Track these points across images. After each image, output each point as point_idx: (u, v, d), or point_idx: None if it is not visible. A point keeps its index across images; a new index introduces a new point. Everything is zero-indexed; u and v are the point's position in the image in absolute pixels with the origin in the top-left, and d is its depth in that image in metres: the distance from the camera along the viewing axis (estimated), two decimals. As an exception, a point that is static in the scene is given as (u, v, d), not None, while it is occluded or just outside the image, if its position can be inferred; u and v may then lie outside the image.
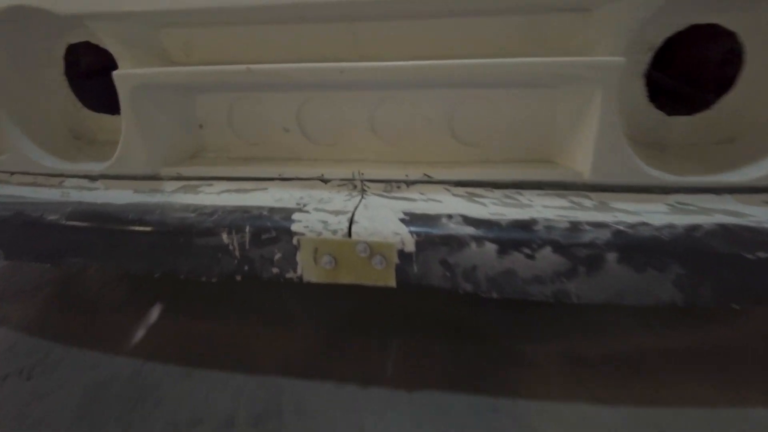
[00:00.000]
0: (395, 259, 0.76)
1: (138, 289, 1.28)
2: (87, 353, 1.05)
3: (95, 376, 0.99)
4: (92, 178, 0.96)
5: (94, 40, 0.93)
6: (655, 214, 0.75)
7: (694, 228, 0.72)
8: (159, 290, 1.27)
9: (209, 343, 1.06)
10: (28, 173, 1.00)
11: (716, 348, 0.98)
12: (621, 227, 0.72)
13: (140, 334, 1.11)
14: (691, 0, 0.70)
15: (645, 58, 0.78)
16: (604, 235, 0.71)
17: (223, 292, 1.23)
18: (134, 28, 0.84)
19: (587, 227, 0.72)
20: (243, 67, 0.78)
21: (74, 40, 0.95)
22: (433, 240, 0.74)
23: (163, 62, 0.87)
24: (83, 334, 1.11)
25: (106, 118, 1.04)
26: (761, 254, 0.69)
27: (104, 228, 0.86)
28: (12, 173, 1.01)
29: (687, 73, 0.95)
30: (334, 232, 0.76)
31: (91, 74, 1.04)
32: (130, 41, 0.84)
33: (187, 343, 1.07)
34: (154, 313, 1.18)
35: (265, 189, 0.88)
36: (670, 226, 0.72)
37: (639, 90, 0.81)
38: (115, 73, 0.83)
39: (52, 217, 0.88)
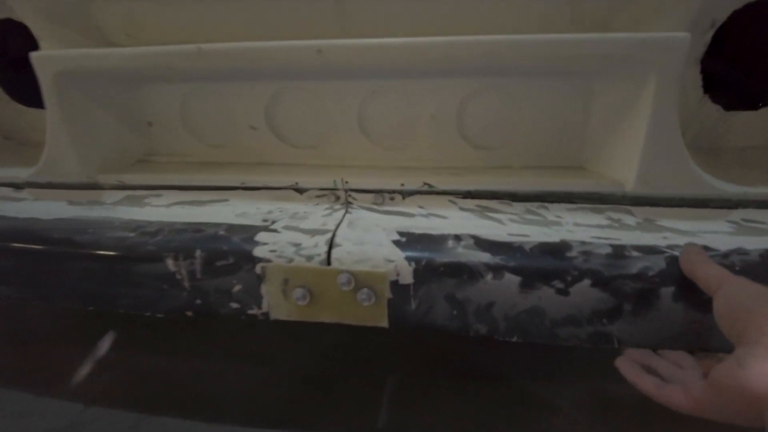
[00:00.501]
0: (387, 294, 0.59)
1: (88, 316, 1.10)
2: (19, 397, 0.87)
3: (25, 426, 0.81)
4: (17, 186, 0.79)
5: (16, 17, 0.76)
6: (717, 235, 0.59)
7: (773, 254, 0.56)
8: (111, 319, 1.08)
9: (164, 384, 0.89)
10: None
11: None
12: (677, 252, 0.55)
13: (84, 372, 0.93)
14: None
15: (703, 39, 0.62)
16: (657, 263, 0.55)
17: (183, 321, 1.05)
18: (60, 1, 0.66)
19: (634, 253, 0.56)
20: (193, 46, 0.61)
21: (-6, 17, 0.78)
22: (436, 269, 0.58)
23: (99, 44, 0.70)
24: (16, 373, 0.94)
25: (40, 114, 0.86)
26: None
27: (25, 250, 0.69)
28: None
29: (751, 59, 0.79)
30: (310, 258, 0.60)
31: (17, 60, 0.86)
32: (54, 16, 0.67)
33: (137, 384, 0.89)
34: (103, 347, 1.00)
35: (226, 201, 0.71)
36: (740, 252, 0.56)
37: (693, 79, 0.66)
38: (33, 54, 0.66)
39: (-39, 237, 0.71)
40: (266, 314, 0.63)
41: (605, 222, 0.62)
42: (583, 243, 0.58)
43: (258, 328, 1.04)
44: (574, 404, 0.81)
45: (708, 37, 0.62)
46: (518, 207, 0.65)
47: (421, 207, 0.67)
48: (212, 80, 0.70)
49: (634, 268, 0.55)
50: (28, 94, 0.88)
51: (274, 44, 0.59)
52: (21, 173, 0.78)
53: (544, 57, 0.56)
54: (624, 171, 0.61)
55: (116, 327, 1.06)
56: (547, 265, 0.56)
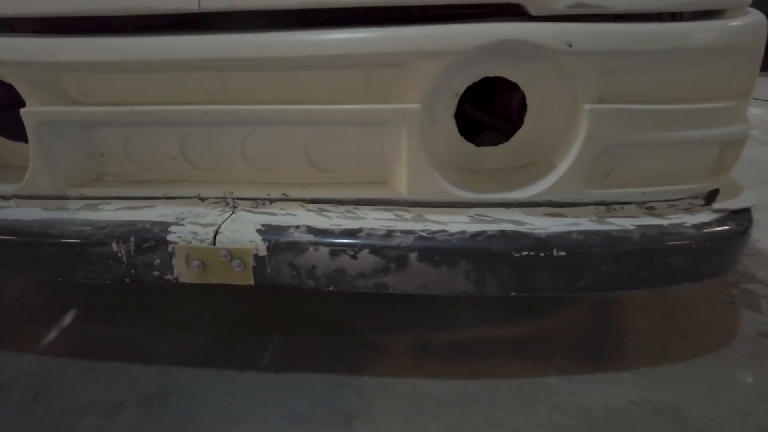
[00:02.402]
0: (252, 262, 0.94)
1: (52, 298, 1.41)
2: None
3: (1, 374, 1.12)
4: (5, 197, 1.11)
5: (4, 79, 1.09)
6: (455, 224, 0.96)
7: (479, 234, 0.93)
8: (71, 299, 1.40)
9: (113, 342, 1.21)
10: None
11: (535, 335, 1.20)
12: (423, 234, 0.92)
13: (49, 337, 1.25)
14: (476, 59, 0.91)
15: (453, 102, 1.00)
16: (409, 239, 0.92)
17: (127, 300, 1.38)
18: (37, 73, 1.00)
19: (398, 234, 0.93)
20: (128, 108, 0.96)
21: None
22: (281, 246, 0.93)
23: (65, 101, 1.04)
24: (-2, 337, 1.24)
25: (19, 146, 1.18)
26: (525, 253, 0.91)
27: (10, 240, 1.02)
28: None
29: (491, 112, 1.18)
30: (202, 241, 0.94)
31: (2, 106, 1.19)
32: (35, 83, 1.01)
33: (93, 343, 1.21)
34: (65, 319, 1.32)
35: (154, 206, 1.05)
36: (461, 233, 0.93)
37: (452, 127, 1.03)
38: (22, 110, 1.00)
39: (-36, 232, 1.03)
40: (177, 279, 0.97)
41: (393, 216, 0.99)
42: (369, 228, 0.94)
43: (181, 302, 1.36)
44: (397, 345, 1.17)
45: (455, 101, 1.00)
46: (341, 208, 1.01)
47: (282, 209, 1.03)
48: (144, 126, 1.04)
49: (395, 242, 0.91)
50: (10, 130, 1.20)
51: (177, 108, 0.95)
52: (8, 188, 1.10)
53: (344, 117, 0.94)
54: (401, 185, 0.98)
55: (76, 305, 1.37)
56: (344, 241, 0.92)
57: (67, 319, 1.31)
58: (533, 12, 0.89)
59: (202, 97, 1.00)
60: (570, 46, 0.86)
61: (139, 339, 1.22)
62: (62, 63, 0.97)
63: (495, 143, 1.08)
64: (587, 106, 0.90)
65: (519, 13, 0.95)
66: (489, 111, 1.23)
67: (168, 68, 0.96)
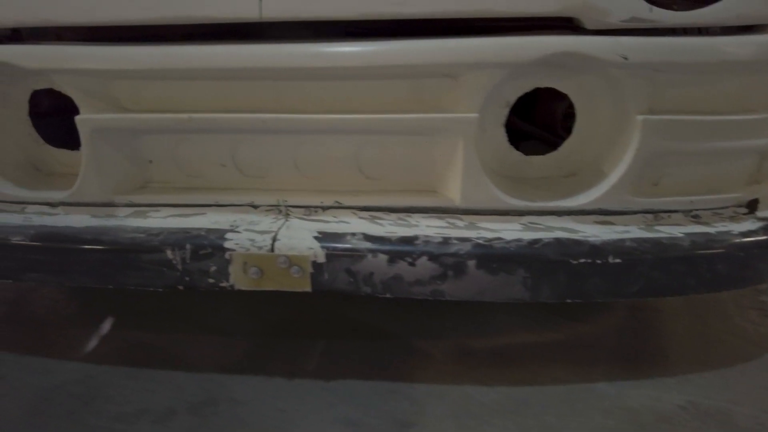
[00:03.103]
0: (310, 269, 0.95)
1: (86, 305, 1.41)
2: (39, 361, 1.18)
3: (47, 380, 1.11)
4: (53, 205, 1.11)
5: (56, 88, 1.09)
6: (509, 231, 0.98)
7: (535, 241, 0.95)
8: (105, 306, 1.40)
9: (154, 349, 1.21)
10: (-9, 201, 1.13)
11: (577, 340, 1.22)
12: (480, 241, 0.94)
13: (89, 344, 1.24)
14: (524, 70, 0.93)
15: (503, 112, 1.02)
16: (467, 246, 0.93)
17: (162, 306, 1.38)
18: (91, 81, 1.01)
19: (455, 241, 0.94)
20: (185, 116, 0.97)
21: (38, 87, 1.11)
22: (339, 253, 0.94)
23: (117, 108, 1.04)
24: (35, 345, 1.24)
25: (64, 153, 1.19)
26: (581, 260, 0.93)
27: (63, 248, 1.02)
28: (-24, 201, 1.14)
29: (540, 122, 1.20)
30: (260, 248, 0.95)
31: (51, 115, 1.19)
32: (88, 91, 1.01)
33: (134, 350, 1.21)
34: (102, 326, 1.31)
35: (204, 214, 1.05)
36: (518, 240, 0.95)
37: (502, 136, 1.05)
38: (77, 118, 1.00)
39: (16, 239, 1.03)
40: (232, 286, 0.98)
41: (445, 224, 1.00)
42: (426, 236, 0.95)
43: (219, 307, 1.37)
44: (441, 351, 1.18)
45: (506, 111, 1.02)
46: (393, 216, 1.02)
47: (334, 216, 1.04)
48: (196, 133, 1.05)
49: (453, 249, 0.93)
50: (58, 138, 1.20)
51: (236, 116, 0.96)
52: (56, 195, 1.10)
53: (398, 126, 0.95)
54: (454, 193, 0.99)
55: (111, 311, 1.37)
56: (402, 248, 0.93)
57: (105, 325, 1.31)
58: (588, 26, 0.91)
59: (254, 105, 1.01)
60: (625, 58, 0.89)
61: (178, 345, 1.22)
62: (118, 71, 0.98)
63: (535, 152, 1.11)
64: (640, 117, 0.92)
65: (569, 27, 0.97)
66: (530, 120, 1.26)
67: (223, 77, 0.98)
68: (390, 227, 0.99)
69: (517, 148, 1.08)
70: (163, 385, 1.08)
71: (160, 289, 1.00)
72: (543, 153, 1.10)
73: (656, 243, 0.96)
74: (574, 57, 0.90)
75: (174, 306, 1.37)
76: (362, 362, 1.14)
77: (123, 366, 1.14)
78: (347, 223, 1.02)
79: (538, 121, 1.26)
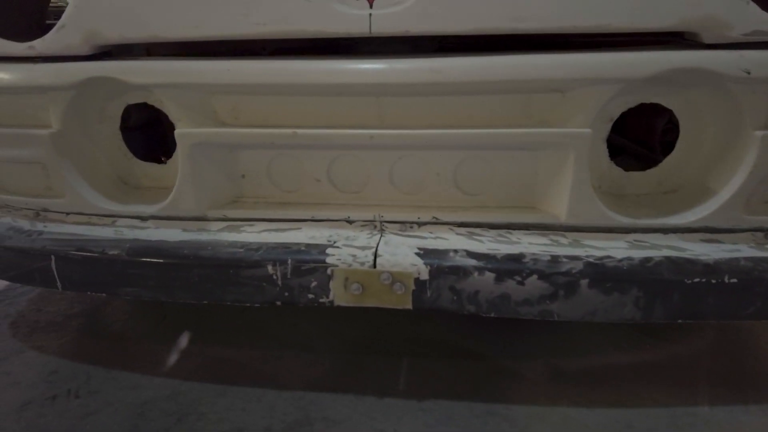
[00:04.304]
0: (412, 286, 0.93)
1: (161, 320, 1.41)
2: (126, 375, 1.17)
3: (137, 395, 1.11)
4: (143, 218, 1.11)
5: (149, 101, 1.10)
6: (617, 249, 0.95)
7: (647, 260, 0.92)
8: (179, 319, 1.39)
9: (238, 365, 1.20)
10: (82, 213, 1.14)
11: (669, 361, 1.18)
12: (591, 260, 0.91)
13: (172, 358, 1.24)
14: (637, 86, 0.91)
15: (607, 127, 1.00)
16: (578, 265, 0.90)
17: (237, 320, 1.37)
18: (192, 95, 1.01)
19: (564, 259, 0.92)
20: (290, 131, 0.97)
21: (132, 101, 1.11)
22: (443, 270, 0.92)
23: (214, 123, 1.04)
24: (119, 359, 1.24)
25: (152, 167, 1.19)
26: (696, 279, 0.89)
27: (161, 262, 1.01)
28: (68, 213, 1.15)
29: (641, 138, 1.18)
30: (362, 263, 0.94)
31: (141, 129, 1.20)
32: (188, 105, 1.02)
33: (217, 365, 1.20)
34: (181, 340, 1.31)
35: (299, 229, 1.05)
36: (629, 259, 0.92)
37: (603, 151, 1.03)
38: (176, 131, 1.00)
39: (113, 252, 1.03)
40: (332, 301, 0.96)
41: (548, 241, 0.98)
42: (533, 254, 0.93)
43: (298, 324, 1.35)
44: (535, 372, 1.15)
45: (609, 126, 1.00)
46: (493, 232, 1.00)
47: (430, 233, 1.02)
48: (293, 149, 1.04)
49: (564, 267, 0.90)
50: (145, 152, 1.21)
51: (345, 132, 0.95)
52: (146, 209, 1.10)
53: (506, 141, 0.93)
54: (560, 209, 0.97)
55: (186, 325, 1.37)
56: (510, 266, 0.91)
57: (183, 339, 1.30)
58: (707, 40, 0.88)
59: (355, 120, 1.00)
60: (748, 73, 0.86)
61: (263, 361, 1.20)
62: (222, 85, 0.98)
63: (630, 167, 1.08)
64: (759, 133, 0.89)
65: (679, 40, 0.95)
66: (624, 134, 1.23)
67: (326, 92, 0.97)
68: (491, 244, 0.97)
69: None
70: (254, 404, 1.07)
71: (257, 304, 0.99)
72: (639, 168, 1.07)
73: (774, 262, 0.93)
74: (691, 72, 0.88)
75: (250, 322, 1.37)
76: (452, 382, 1.11)
77: (210, 382, 1.13)
78: (445, 239, 1.00)
79: (632, 135, 1.23)
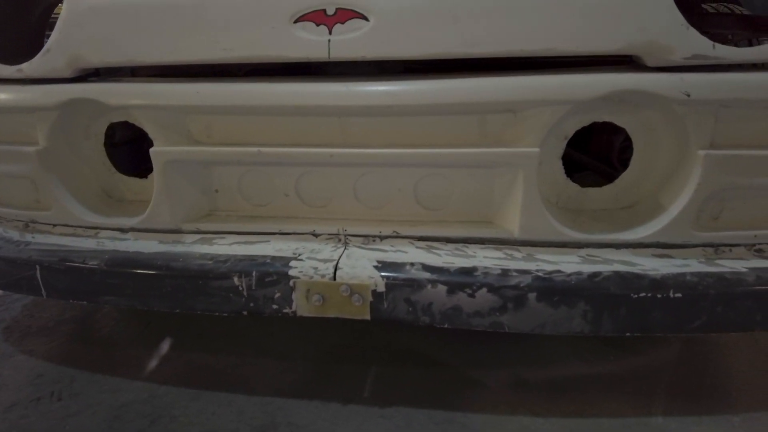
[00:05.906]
0: (370, 297, 0.98)
1: (146, 326, 1.47)
2: (108, 379, 1.23)
3: (117, 398, 1.17)
4: (123, 230, 1.17)
5: (131, 120, 1.16)
6: (568, 264, 0.98)
7: (595, 275, 0.95)
8: (165, 327, 1.45)
9: (212, 371, 1.25)
10: (68, 225, 1.21)
11: (631, 372, 1.20)
12: (540, 274, 0.95)
13: (153, 363, 1.29)
14: (586, 106, 0.95)
15: (561, 145, 1.04)
16: (527, 279, 0.94)
17: (220, 328, 1.42)
18: (166, 115, 1.07)
19: (514, 273, 0.95)
20: (255, 149, 1.02)
21: (114, 119, 1.18)
22: (399, 282, 0.97)
23: (189, 141, 1.10)
24: (103, 363, 1.29)
25: (134, 181, 1.25)
26: (642, 294, 0.93)
27: (137, 273, 1.07)
28: (54, 225, 1.22)
29: (596, 155, 1.21)
30: (323, 276, 0.98)
31: (124, 145, 1.27)
32: (163, 124, 1.08)
33: (194, 371, 1.25)
34: (164, 347, 1.36)
35: (268, 242, 1.10)
36: (578, 273, 0.96)
37: (558, 168, 1.06)
38: (152, 150, 1.06)
39: (93, 263, 1.09)
40: (294, 312, 1.01)
41: (503, 255, 1.02)
42: (485, 267, 0.97)
43: (275, 332, 1.40)
44: (497, 382, 1.18)
45: (563, 144, 1.03)
46: (450, 246, 1.04)
47: (392, 246, 1.06)
48: (262, 165, 1.10)
49: (513, 281, 0.94)
50: (128, 167, 1.27)
51: (305, 150, 1.00)
52: (127, 221, 1.16)
53: (460, 160, 0.98)
54: (512, 224, 1.01)
55: (170, 332, 1.42)
56: (461, 279, 0.95)
57: (166, 346, 1.36)
58: (650, 63, 0.92)
59: (319, 139, 1.05)
60: (688, 95, 0.89)
61: (238, 368, 1.25)
62: (195, 107, 1.04)
63: (591, 184, 1.11)
64: (702, 152, 0.93)
65: (627, 62, 0.99)
66: (584, 151, 1.26)
67: (292, 113, 1.02)
68: (447, 257, 1.01)
69: (571, 178, 1.09)
70: (224, 408, 1.11)
71: (225, 314, 1.04)
72: (598, 185, 1.10)
73: (719, 277, 0.95)
74: (636, 94, 0.92)
75: (231, 329, 1.42)
76: (416, 391, 1.15)
77: (186, 387, 1.18)
78: (404, 252, 1.04)
79: (593, 152, 1.27)
